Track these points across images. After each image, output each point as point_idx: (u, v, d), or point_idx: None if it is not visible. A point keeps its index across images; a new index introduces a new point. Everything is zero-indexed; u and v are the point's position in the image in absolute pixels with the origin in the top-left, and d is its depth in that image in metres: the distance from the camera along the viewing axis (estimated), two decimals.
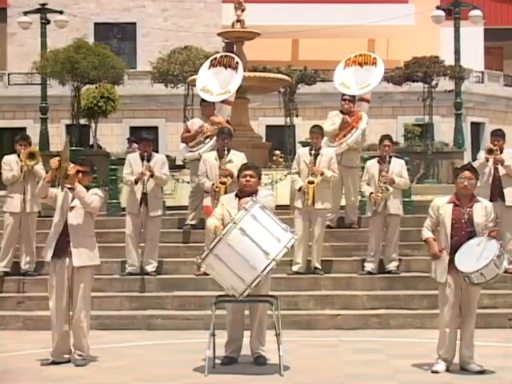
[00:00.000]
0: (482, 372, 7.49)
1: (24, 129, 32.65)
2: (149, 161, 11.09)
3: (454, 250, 7.48)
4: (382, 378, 7.45)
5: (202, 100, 12.71)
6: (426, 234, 7.76)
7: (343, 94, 12.48)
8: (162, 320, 10.35)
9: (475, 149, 32.44)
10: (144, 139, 11.22)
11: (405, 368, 7.75)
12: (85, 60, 23.04)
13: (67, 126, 30.49)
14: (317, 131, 11.19)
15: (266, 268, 7.24)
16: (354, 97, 12.44)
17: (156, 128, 32.78)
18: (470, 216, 7.58)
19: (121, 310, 10.67)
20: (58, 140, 30.30)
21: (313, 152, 11.03)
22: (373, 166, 11.19)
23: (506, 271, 10.98)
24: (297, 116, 26.32)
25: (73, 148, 23.79)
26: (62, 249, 8.08)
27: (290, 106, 25.99)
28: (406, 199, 13.66)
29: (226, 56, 13.30)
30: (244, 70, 14.56)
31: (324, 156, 11.09)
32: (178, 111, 28.40)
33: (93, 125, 25.77)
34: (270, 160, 16.09)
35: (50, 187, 8.16)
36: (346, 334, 9.78)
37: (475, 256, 7.32)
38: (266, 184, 13.43)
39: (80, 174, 8.18)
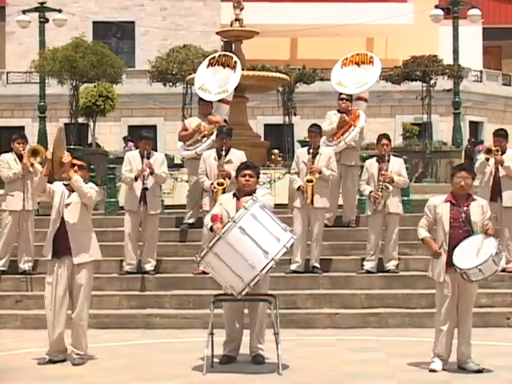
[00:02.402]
0: (479, 371, 7.49)
1: (22, 127, 32.65)
2: (148, 159, 11.11)
3: (451, 249, 7.48)
4: (380, 376, 7.45)
5: (200, 99, 12.72)
6: (423, 233, 7.75)
7: (340, 94, 12.52)
8: (160, 319, 10.34)
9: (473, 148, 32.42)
10: (144, 137, 11.20)
11: (403, 367, 7.74)
12: (83, 59, 23.05)
13: (66, 125, 30.45)
14: (315, 130, 11.23)
15: (265, 267, 7.25)
16: (350, 96, 12.46)
17: (154, 127, 32.79)
18: (468, 215, 7.58)
19: (119, 308, 10.66)
20: None
21: (311, 151, 11.06)
22: (372, 165, 11.21)
23: (504, 270, 11.08)
24: (295, 115, 26.34)
25: (71, 147, 23.83)
26: (62, 247, 8.03)
27: (288, 104, 26.00)
28: (405, 198, 13.67)
29: (224, 55, 13.31)
30: (242, 69, 14.57)
31: (323, 155, 11.12)
32: (176, 110, 28.42)
33: (91, 124, 25.77)
34: (269, 159, 16.08)
35: (47, 182, 8.06)
36: (345, 332, 9.78)
37: (473, 253, 7.31)
38: (264, 183, 13.43)
39: (76, 168, 8.10)
